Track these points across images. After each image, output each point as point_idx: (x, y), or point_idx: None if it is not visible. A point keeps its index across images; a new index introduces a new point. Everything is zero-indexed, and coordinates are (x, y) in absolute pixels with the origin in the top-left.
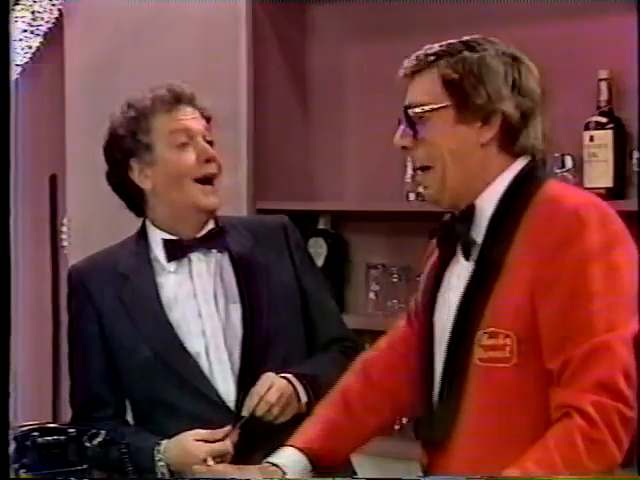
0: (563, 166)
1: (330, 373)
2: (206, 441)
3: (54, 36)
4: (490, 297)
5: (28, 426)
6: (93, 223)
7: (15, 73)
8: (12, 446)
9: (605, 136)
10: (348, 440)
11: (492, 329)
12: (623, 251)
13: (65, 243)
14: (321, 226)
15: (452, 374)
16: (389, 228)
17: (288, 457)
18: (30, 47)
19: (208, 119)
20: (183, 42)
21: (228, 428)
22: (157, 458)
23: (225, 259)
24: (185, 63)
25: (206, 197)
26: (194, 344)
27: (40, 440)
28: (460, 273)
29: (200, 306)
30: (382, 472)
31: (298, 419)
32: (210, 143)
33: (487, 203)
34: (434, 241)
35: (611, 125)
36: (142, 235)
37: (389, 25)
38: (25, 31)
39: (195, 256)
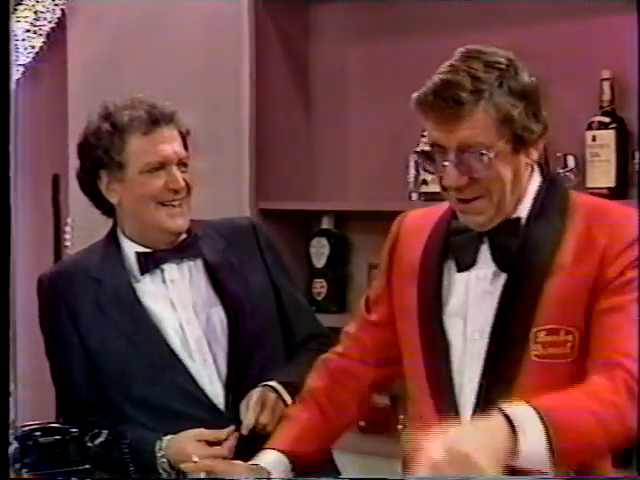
0: (565, 166)
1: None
2: (207, 441)
3: (57, 36)
4: (541, 296)
5: (30, 426)
6: (96, 223)
7: (18, 73)
8: (14, 446)
9: (607, 136)
10: (323, 439)
11: (552, 325)
12: None
13: (68, 243)
14: (324, 226)
15: (502, 370)
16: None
17: (271, 459)
18: (33, 47)
19: (186, 134)
20: (186, 42)
21: (230, 429)
22: (159, 454)
23: (199, 265)
24: (188, 63)
25: (172, 219)
26: (177, 349)
27: (42, 440)
28: (484, 276)
29: (178, 313)
30: (382, 472)
31: None
32: (184, 165)
33: (524, 213)
34: (391, 236)
35: (613, 125)
36: (113, 240)
37: (392, 25)
38: (28, 31)
39: (167, 265)
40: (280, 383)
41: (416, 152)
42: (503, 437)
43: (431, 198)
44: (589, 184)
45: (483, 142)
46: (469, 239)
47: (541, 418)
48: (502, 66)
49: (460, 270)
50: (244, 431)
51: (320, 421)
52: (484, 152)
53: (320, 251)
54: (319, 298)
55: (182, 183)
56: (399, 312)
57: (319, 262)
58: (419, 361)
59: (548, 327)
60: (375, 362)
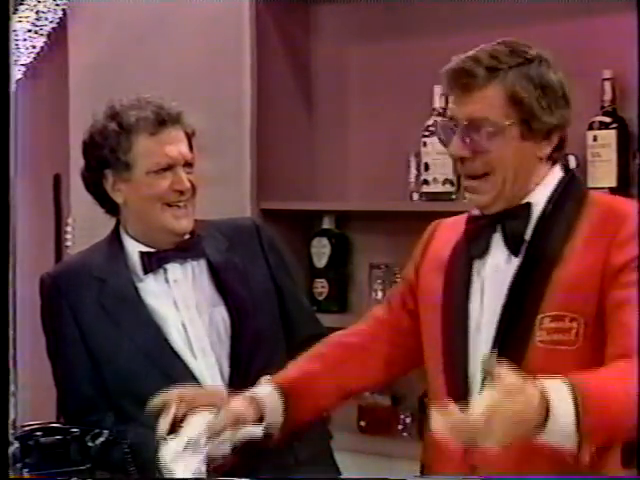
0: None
1: None
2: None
3: (58, 36)
4: (549, 283)
5: (31, 426)
6: (98, 223)
7: (19, 73)
8: (15, 446)
9: (609, 136)
10: (321, 391)
11: (556, 312)
12: None
13: (69, 243)
14: (325, 226)
15: (508, 354)
16: (393, 228)
17: (262, 390)
18: (34, 47)
19: (191, 135)
20: (187, 42)
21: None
22: None
23: (202, 265)
24: (189, 63)
25: (176, 220)
26: (180, 349)
27: (43, 440)
28: (499, 264)
29: (181, 313)
30: (382, 472)
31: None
32: (190, 165)
33: (536, 203)
34: (424, 239)
35: (615, 125)
36: (117, 239)
37: (393, 25)
38: (29, 31)
39: (170, 265)
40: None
41: (431, 125)
42: (535, 406)
43: (432, 198)
44: (590, 184)
45: (489, 118)
46: (482, 227)
47: (571, 388)
48: (527, 55)
49: (474, 257)
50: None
51: (324, 373)
52: (489, 128)
53: (321, 251)
54: (320, 298)
55: (188, 184)
56: (423, 302)
57: (320, 262)
58: (438, 350)
59: (553, 314)
60: (401, 345)
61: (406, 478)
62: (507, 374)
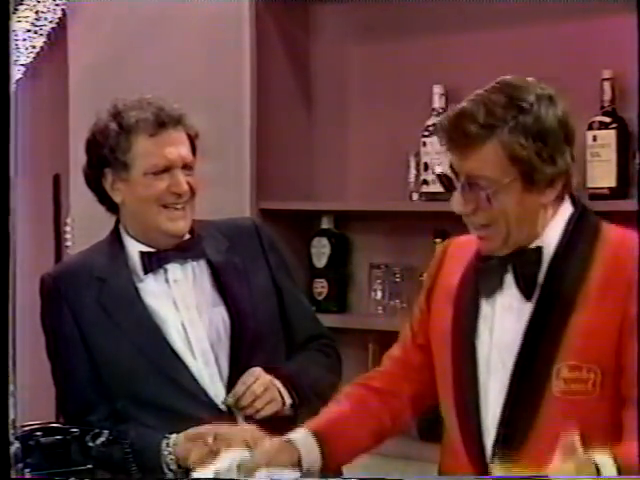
0: None
1: (314, 374)
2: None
3: (57, 36)
4: (565, 331)
5: (31, 426)
6: (97, 223)
7: (19, 73)
8: (15, 446)
9: (608, 136)
10: (356, 435)
11: (574, 362)
12: None
13: (69, 243)
14: (324, 226)
15: (524, 402)
16: (392, 228)
17: (298, 435)
18: (34, 47)
19: (194, 137)
20: (187, 42)
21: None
22: (166, 452)
23: (202, 265)
24: (189, 63)
25: (172, 222)
26: (179, 349)
27: (43, 440)
28: (511, 304)
29: (181, 313)
30: (383, 472)
31: (283, 424)
32: (190, 168)
33: (548, 244)
34: (436, 260)
35: (614, 125)
36: (117, 239)
37: (393, 25)
38: (29, 31)
39: (170, 265)
40: (278, 378)
41: (431, 125)
42: None
43: (432, 198)
44: (590, 184)
45: (489, 176)
46: (493, 266)
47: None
48: (525, 104)
49: (484, 296)
50: (230, 398)
51: (359, 413)
52: (488, 186)
53: (321, 251)
54: (320, 298)
55: (185, 187)
56: (434, 333)
57: (320, 262)
58: (449, 383)
59: (571, 363)
60: (419, 381)
61: (406, 478)
62: (579, 446)
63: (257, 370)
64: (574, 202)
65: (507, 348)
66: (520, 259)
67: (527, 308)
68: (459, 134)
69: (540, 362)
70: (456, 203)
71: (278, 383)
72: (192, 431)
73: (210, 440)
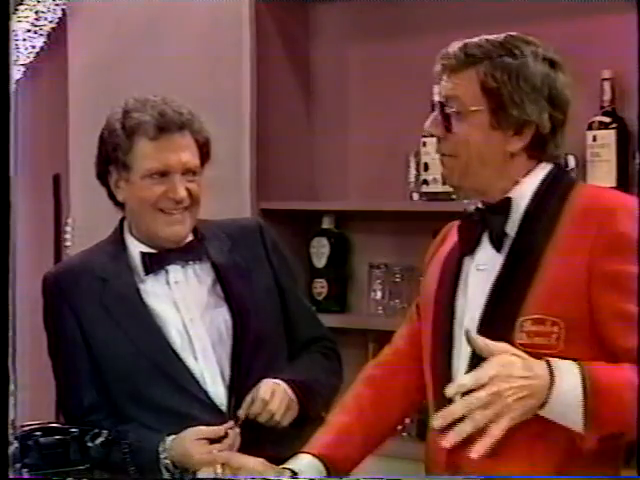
0: (566, 166)
1: (318, 378)
2: (208, 439)
3: (57, 36)
4: (531, 285)
5: (30, 426)
6: (97, 223)
7: (19, 73)
8: (14, 446)
9: (608, 136)
10: (361, 445)
11: (537, 316)
12: None
13: (69, 243)
14: (324, 226)
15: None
16: (392, 228)
17: (304, 462)
18: (34, 47)
19: (203, 144)
20: (186, 42)
21: (230, 424)
22: (162, 456)
23: (205, 266)
24: (188, 62)
25: (169, 227)
26: (180, 350)
27: (42, 440)
28: (485, 262)
29: (182, 314)
30: (383, 471)
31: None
32: (193, 173)
33: (520, 199)
34: (437, 240)
35: (614, 125)
36: (119, 238)
37: (393, 24)
38: (29, 31)
39: (172, 267)
40: (284, 381)
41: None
42: (541, 376)
43: (432, 198)
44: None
45: (459, 97)
46: (472, 223)
47: (581, 369)
48: (516, 51)
49: (464, 254)
50: (242, 413)
51: (361, 427)
52: (455, 108)
53: (321, 251)
54: (320, 298)
55: (182, 193)
56: (422, 300)
57: (320, 262)
58: (428, 347)
59: (535, 317)
60: (413, 372)
61: (406, 478)
62: (495, 344)
63: (270, 384)
64: (559, 167)
65: (478, 304)
66: (491, 211)
67: (499, 262)
68: (448, 58)
69: (505, 315)
70: (428, 122)
71: (291, 393)
72: (202, 442)
73: (219, 469)
